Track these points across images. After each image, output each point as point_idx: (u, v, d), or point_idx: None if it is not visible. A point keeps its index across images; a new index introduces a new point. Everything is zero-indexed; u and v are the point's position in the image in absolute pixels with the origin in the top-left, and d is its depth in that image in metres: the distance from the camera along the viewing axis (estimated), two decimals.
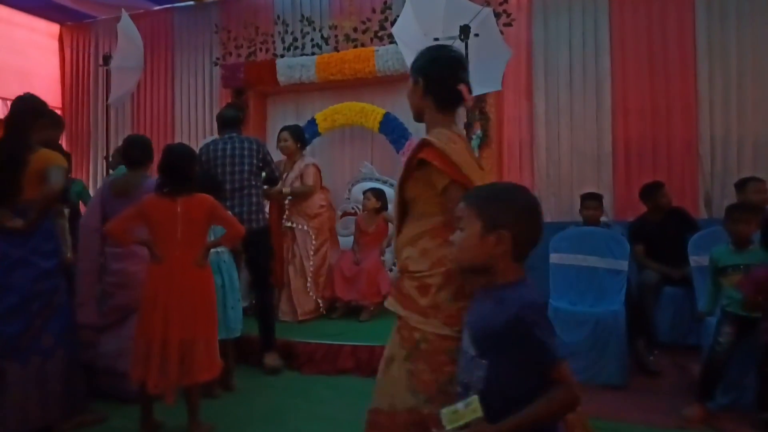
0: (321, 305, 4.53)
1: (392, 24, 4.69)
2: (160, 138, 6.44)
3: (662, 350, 3.79)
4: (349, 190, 5.47)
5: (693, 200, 4.72)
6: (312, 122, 5.76)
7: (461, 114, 4.85)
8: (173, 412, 2.73)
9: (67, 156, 3.31)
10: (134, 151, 3.22)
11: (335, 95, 5.83)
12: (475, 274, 1.36)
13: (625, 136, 5.05)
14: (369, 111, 5.56)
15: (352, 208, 5.40)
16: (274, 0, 6.19)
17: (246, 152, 3.69)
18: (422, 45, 3.76)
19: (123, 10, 5.54)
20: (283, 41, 6.09)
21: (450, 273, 1.57)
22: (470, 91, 1.70)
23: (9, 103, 6.80)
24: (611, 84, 5.08)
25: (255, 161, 3.71)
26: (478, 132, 5.12)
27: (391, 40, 5.17)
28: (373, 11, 5.72)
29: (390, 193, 5.41)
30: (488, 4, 4.55)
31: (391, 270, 4.77)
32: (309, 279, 4.47)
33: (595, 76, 5.14)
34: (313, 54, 5.86)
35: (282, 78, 5.79)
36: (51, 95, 6.81)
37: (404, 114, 5.60)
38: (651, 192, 4.18)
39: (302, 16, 6.05)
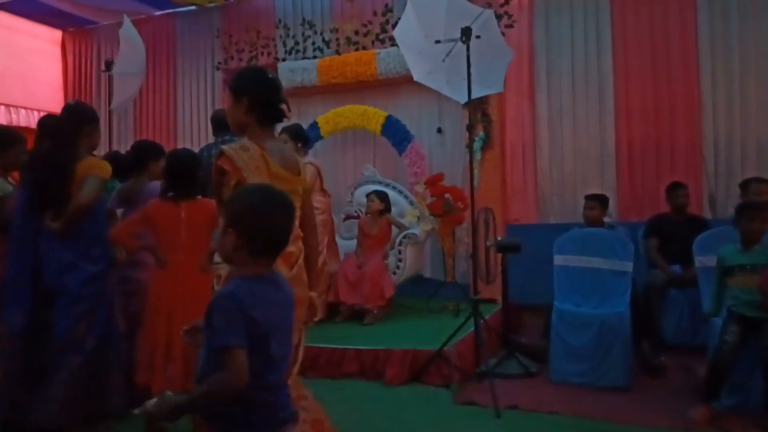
0: None
1: (394, 26, 4.70)
2: (162, 143, 6.42)
3: (668, 351, 3.77)
4: (352, 194, 5.46)
5: (697, 201, 4.70)
6: (314, 126, 5.76)
7: (464, 116, 4.86)
8: None
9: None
10: (129, 156, 3.25)
11: (337, 98, 5.83)
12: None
13: (628, 136, 5.04)
14: (371, 114, 5.56)
15: (355, 212, 5.39)
16: (275, 4, 6.21)
17: None
18: (424, 47, 3.79)
19: (125, 15, 5.55)
20: (284, 45, 6.10)
21: None
22: (289, 109, 2.05)
23: (12, 109, 6.86)
24: (614, 85, 5.07)
25: None
26: (481, 134, 5.12)
27: (393, 42, 5.17)
28: (375, 14, 5.73)
29: (391, 194, 5.40)
30: (489, 6, 4.55)
31: (394, 273, 4.76)
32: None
33: (597, 76, 5.13)
34: (314, 57, 5.87)
35: (284, 82, 5.66)
36: (53, 101, 6.83)
37: (406, 117, 5.60)
38: (669, 191, 4.31)
39: (303, 19, 6.06)
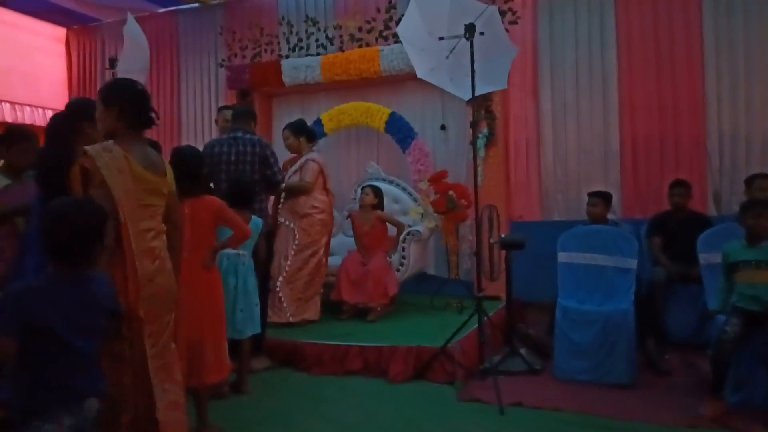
0: (288, 313, 4.19)
1: (397, 23, 4.69)
2: (166, 140, 6.46)
3: (672, 349, 3.77)
4: (356, 191, 5.46)
5: (702, 197, 4.68)
6: (318, 123, 5.77)
7: (468, 113, 4.85)
8: None
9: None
10: None
11: (340, 95, 5.83)
12: None
13: (633, 133, 5.02)
14: (375, 111, 5.56)
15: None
16: (278, 1, 6.20)
17: (249, 157, 3.66)
18: (427, 44, 3.78)
19: (128, 13, 5.56)
20: (287, 42, 6.10)
21: None
22: (158, 117, 2.19)
23: (17, 107, 6.87)
24: (618, 81, 5.04)
25: (258, 166, 3.68)
26: (485, 131, 5.11)
27: (396, 39, 5.17)
28: (378, 11, 5.72)
29: (394, 191, 5.41)
30: (493, 2, 4.54)
31: (398, 270, 4.77)
32: (280, 279, 4.22)
33: (601, 73, 5.11)
34: (318, 54, 5.87)
35: (287, 79, 5.80)
36: (58, 99, 6.84)
37: (410, 114, 5.60)
38: (668, 189, 4.32)
39: (307, 16, 6.05)
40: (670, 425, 2.78)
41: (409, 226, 4.94)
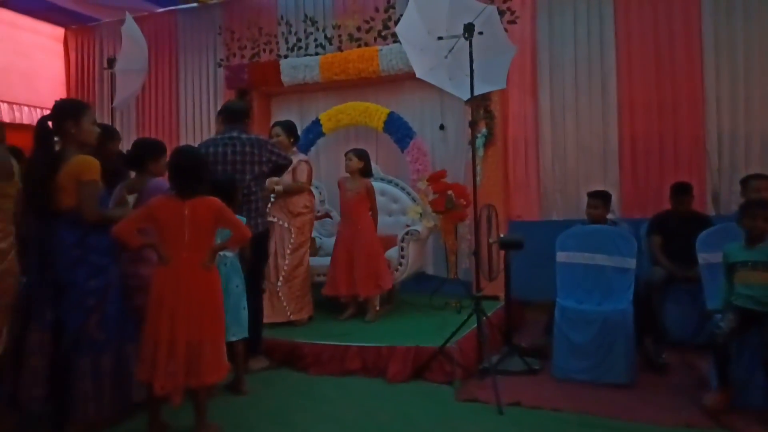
0: (288, 311, 4.23)
1: (396, 23, 4.69)
2: (165, 139, 6.42)
3: (671, 348, 3.77)
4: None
5: (700, 197, 4.68)
6: (316, 122, 5.77)
7: (466, 112, 4.85)
8: (180, 413, 2.73)
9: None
10: (130, 154, 3.26)
11: (339, 95, 5.83)
12: None
13: (632, 132, 5.02)
14: (373, 111, 5.56)
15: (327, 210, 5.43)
16: (277, 0, 6.20)
17: (248, 157, 3.62)
18: (426, 44, 3.77)
19: (127, 12, 5.55)
20: (286, 42, 6.10)
21: None
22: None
23: (15, 107, 6.86)
24: (617, 80, 5.05)
25: (257, 168, 3.64)
26: (483, 130, 5.10)
27: (395, 39, 5.17)
28: (377, 10, 5.72)
29: (393, 191, 5.40)
30: (492, 2, 4.54)
31: (396, 270, 4.76)
32: (281, 278, 4.25)
33: (600, 72, 5.11)
34: (316, 54, 5.87)
35: (286, 78, 5.79)
36: (56, 98, 6.81)
37: (409, 113, 5.60)
38: (675, 194, 4.32)
39: (305, 16, 6.05)
40: (668, 425, 2.78)
41: (408, 226, 4.94)
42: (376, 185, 5.08)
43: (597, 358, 3.39)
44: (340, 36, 5.88)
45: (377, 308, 4.45)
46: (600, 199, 4.18)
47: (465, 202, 4.81)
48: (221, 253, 3.13)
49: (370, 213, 4.55)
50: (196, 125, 6.62)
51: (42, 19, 6.92)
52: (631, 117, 5.02)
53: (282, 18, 6.14)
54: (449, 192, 4.86)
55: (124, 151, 3.68)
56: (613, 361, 3.35)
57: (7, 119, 6.24)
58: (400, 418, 2.93)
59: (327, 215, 5.42)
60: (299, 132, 4.86)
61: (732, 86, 4.76)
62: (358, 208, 4.48)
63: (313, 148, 5.84)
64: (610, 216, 4.35)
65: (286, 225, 4.33)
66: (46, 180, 2.65)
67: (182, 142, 6.45)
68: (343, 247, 4.46)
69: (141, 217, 2.70)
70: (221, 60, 6.41)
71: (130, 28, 5.42)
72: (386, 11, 5.67)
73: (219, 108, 5.66)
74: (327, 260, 4.66)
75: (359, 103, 5.63)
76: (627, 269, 3.60)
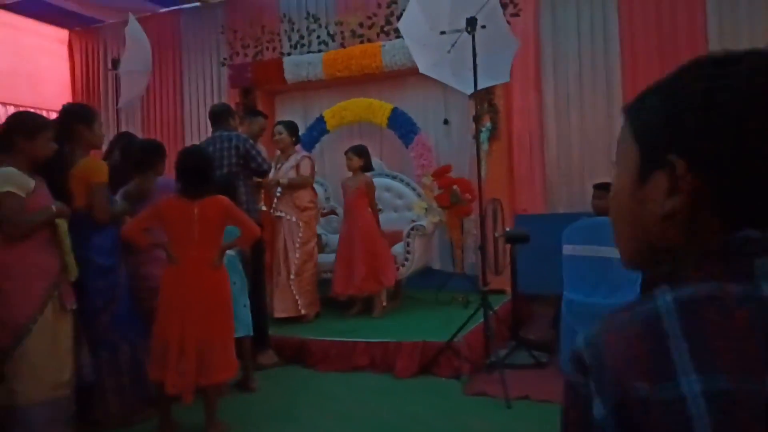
0: (299, 304, 4.29)
1: (398, 18, 4.68)
2: (170, 140, 6.48)
3: None
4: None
5: None
6: (320, 119, 5.77)
7: (470, 107, 4.83)
8: (189, 411, 2.76)
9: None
10: (137, 155, 3.28)
11: (343, 92, 5.83)
12: None
13: None
14: (377, 107, 5.55)
15: (331, 207, 5.44)
16: None
17: (225, 152, 3.71)
18: (429, 39, 3.76)
19: (130, 13, 5.57)
20: (289, 39, 6.10)
21: None
22: None
23: (21, 109, 6.89)
24: (621, 72, 5.02)
25: (235, 159, 3.71)
26: (487, 125, 5.09)
27: (398, 34, 5.15)
28: (379, 6, 5.71)
29: (398, 187, 5.41)
30: None
31: (403, 265, 4.76)
32: (293, 272, 4.30)
33: (604, 64, 5.08)
34: (319, 51, 5.86)
35: (289, 76, 5.80)
36: (61, 101, 6.82)
37: (412, 109, 5.59)
38: None
39: (308, 13, 6.04)
40: None
41: (413, 221, 4.94)
42: (381, 181, 5.09)
43: None
44: (342, 32, 5.87)
45: (384, 304, 4.46)
46: (605, 189, 4.17)
47: (470, 197, 4.81)
48: None
49: (369, 209, 4.56)
50: (201, 125, 6.63)
51: (46, 22, 6.94)
52: None
53: (284, 16, 6.14)
54: (454, 187, 4.86)
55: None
56: None
57: None
58: (408, 414, 2.94)
59: (332, 212, 5.43)
60: (304, 129, 4.88)
61: None
62: (357, 203, 4.50)
63: (317, 146, 5.85)
64: None
65: (294, 219, 4.37)
66: (56, 182, 2.68)
67: (187, 142, 6.47)
68: (344, 244, 4.49)
69: (149, 217, 2.72)
70: (224, 59, 6.42)
71: (134, 29, 5.44)
72: (388, 7, 5.65)
73: None
74: (332, 257, 4.68)
75: (363, 100, 5.63)
76: None
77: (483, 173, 4.01)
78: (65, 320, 2.50)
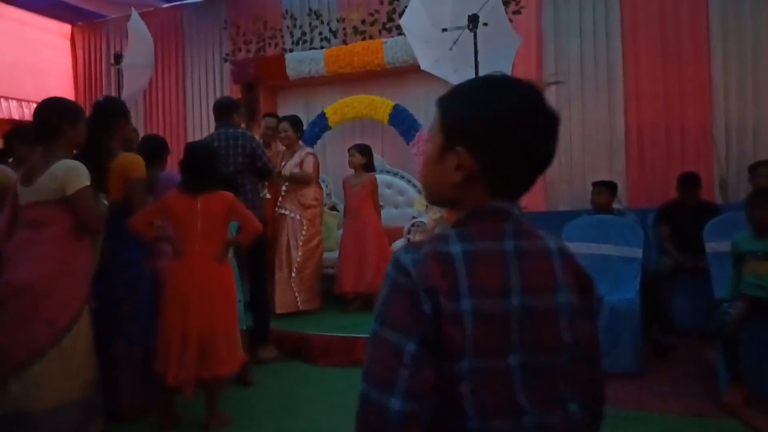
0: (298, 301, 4.33)
1: (400, 15, 4.67)
2: (172, 135, 6.49)
3: (679, 338, 3.77)
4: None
5: (708, 186, 4.66)
6: (322, 116, 5.78)
7: None
8: (191, 405, 2.78)
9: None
10: (145, 150, 3.29)
11: (345, 88, 5.84)
12: None
13: (638, 122, 4.99)
14: (378, 103, 5.56)
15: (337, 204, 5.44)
16: None
17: (231, 150, 3.71)
18: (431, 36, 3.77)
19: (133, 8, 5.57)
20: (291, 35, 6.10)
21: None
22: None
23: (24, 104, 6.91)
24: (623, 70, 5.02)
25: (241, 158, 3.71)
26: None
27: (400, 31, 5.15)
28: (381, 2, 5.71)
29: (399, 183, 5.42)
30: None
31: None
32: (294, 270, 4.32)
33: (606, 62, 5.08)
34: (321, 48, 5.87)
35: (291, 72, 5.80)
36: (64, 95, 6.79)
37: (414, 106, 5.59)
38: (682, 186, 4.23)
39: (310, 9, 6.05)
40: (676, 414, 2.80)
41: (414, 218, 4.95)
42: (382, 178, 5.10)
43: (604, 347, 3.31)
44: (344, 29, 5.87)
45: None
46: (604, 186, 4.18)
47: None
48: None
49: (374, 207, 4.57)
50: (203, 120, 6.65)
51: (49, 16, 6.95)
52: (637, 107, 4.99)
53: (287, 12, 6.14)
54: None
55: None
56: (621, 351, 3.36)
57: (16, 116, 6.29)
58: None
59: (334, 208, 5.44)
60: (306, 126, 4.88)
61: (740, 74, 4.72)
62: (364, 202, 4.49)
63: (319, 142, 5.86)
64: (617, 205, 4.35)
65: (297, 217, 4.38)
66: (103, 176, 2.71)
67: (189, 137, 6.49)
68: (351, 243, 4.47)
69: (155, 211, 2.74)
70: (227, 55, 6.43)
71: (136, 24, 5.45)
72: (390, 3, 5.65)
73: None
74: (334, 253, 4.69)
75: (364, 96, 5.64)
76: (634, 259, 3.61)
77: None
78: (89, 319, 2.50)
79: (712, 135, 4.78)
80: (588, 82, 5.14)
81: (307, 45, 6.01)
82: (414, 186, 5.39)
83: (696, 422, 2.73)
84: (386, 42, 5.43)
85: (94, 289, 2.56)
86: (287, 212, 4.40)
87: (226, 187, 2.95)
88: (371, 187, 4.50)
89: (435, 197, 0.89)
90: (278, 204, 4.50)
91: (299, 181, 4.40)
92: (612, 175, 4.78)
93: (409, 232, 4.82)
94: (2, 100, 6.28)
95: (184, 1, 6.65)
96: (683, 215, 4.14)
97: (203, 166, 2.76)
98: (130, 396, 2.78)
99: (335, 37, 5.91)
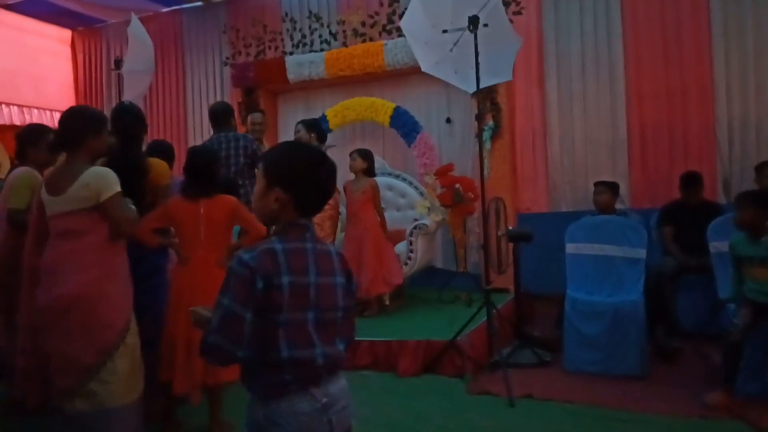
0: None
1: (400, 17, 4.67)
2: (173, 140, 6.48)
3: (684, 339, 3.75)
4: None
5: (711, 185, 4.64)
6: (323, 119, 5.76)
7: (473, 105, 4.83)
8: (193, 411, 2.76)
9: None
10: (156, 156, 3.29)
11: (345, 91, 5.83)
12: None
13: (640, 122, 4.98)
14: (379, 105, 5.55)
15: None
16: None
17: (233, 152, 3.74)
18: (431, 37, 3.76)
19: (132, 13, 5.57)
20: (291, 38, 6.10)
21: None
22: None
23: (24, 109, 6.90)
24: (624, 69, 5.00)
25: (242, 159, 3.74)
26: (490, 123, 5.09)
27: (400, 33, 5.15)
28: (381, 4, 5.70)
29: (401, 186, 5.40)
30: None
31: (405, 264, 4.76)
32: None
33: (607, 61, 5.06)
34: (321, 50, 5.86)
35: (291, 75, 5.80)
36: (65, 100, 6.89)
37: (415, 108, 5.59)
38: (685, 186, 4.21)
39: (309, 12, 6.04)
40: (681, 416, 2.77)
41: (416, 220, 4.94)
42: (384, 180, 5.08)
43: (608, 349, 3.37)
44: (344, 31, 5.87)
45: (387, 303, 4.46)
46: (606, 185, 4.16)
47: (473, 196, 4.80)
48: None
49: (376, 211, 4.53)
50: (204, 124, 6.64)
51: (49, 22, 6.96)
52: (639, 106, 4.97)
53: (286, 15, 6.14)
54: (457, 185, 4.85)
55: None
56: (625, 353, 3.34)
57: (17, 122, 6.29)
58: (412, 413, 2.94)
59: None
60: None
61: (742, 72, 4.70)
62: (364, 207, 4.47)
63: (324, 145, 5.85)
64: (619, 206, 4.33)
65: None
66: (144, 176, 2.77)
67: (190, 142, 6.48)
68: (351, 247, 4.45)
69: (159, 217, 2.72)
70: (227, 58, 6.42)
71: (136, 28, 5.44)
72: (390, 5, 5.65)
73: None
74: None
75: (365, 99, 5.63)
76: (637, 260, 3.58)
77: (486, 172, 4.01)
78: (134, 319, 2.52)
79: (715, 134, 4.76)
80: (589, 83, 5.13)
81: (307, 48, 6.01)
82: (416, 188, 5.37)
83: (702, 424, 2.70)
84: (386, 44, 5.42)
85: None
86: None
87: (228, 191, 2.94)
88: (372, 192, 4.47)
89: (264, 218, 1.35)
90: None
91: None
92: (615, 176, 4.76)
93: (411, 235, 4.80)
94: (3, 106, 6.28)
95: (184, 6, 6.66)
96: (686, 215, 4.12)
97: (205, 171, 2.74)
98: (148, 402, 2.77)
99: (335, 39, 5.91)
